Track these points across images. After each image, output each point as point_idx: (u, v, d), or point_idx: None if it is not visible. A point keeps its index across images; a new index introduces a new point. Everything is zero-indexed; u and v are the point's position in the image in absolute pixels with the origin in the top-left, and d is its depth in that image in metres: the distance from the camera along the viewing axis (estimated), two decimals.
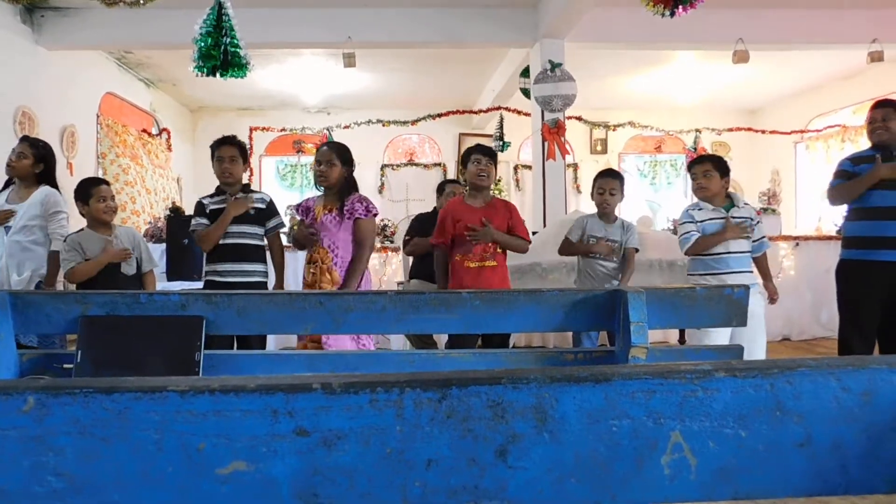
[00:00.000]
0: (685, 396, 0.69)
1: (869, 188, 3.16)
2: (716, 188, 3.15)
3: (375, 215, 3.13)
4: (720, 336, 2.99)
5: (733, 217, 3.13)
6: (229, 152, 3.25)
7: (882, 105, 3.28)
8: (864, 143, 8.76)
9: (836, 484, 0.71)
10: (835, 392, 0.70)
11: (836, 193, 3.34)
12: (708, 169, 3.16)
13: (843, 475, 0.70)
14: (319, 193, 3.20)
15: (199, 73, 4.39)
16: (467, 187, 3.42)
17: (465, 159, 3.41)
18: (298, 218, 3.25)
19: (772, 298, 3.29)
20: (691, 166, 3.28)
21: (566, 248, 3.64)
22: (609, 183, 3.54)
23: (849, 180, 3.25)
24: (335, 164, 3.05)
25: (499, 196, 3.81)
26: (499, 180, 9.80)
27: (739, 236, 3.07)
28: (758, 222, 3.22)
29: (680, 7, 3.60)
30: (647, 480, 0.70)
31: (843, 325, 3.34)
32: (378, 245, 5.56)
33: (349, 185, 3.11)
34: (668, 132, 9.37)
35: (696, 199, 3.30)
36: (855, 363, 0.70)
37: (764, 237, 3.26)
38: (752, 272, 3.18)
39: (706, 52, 7.29)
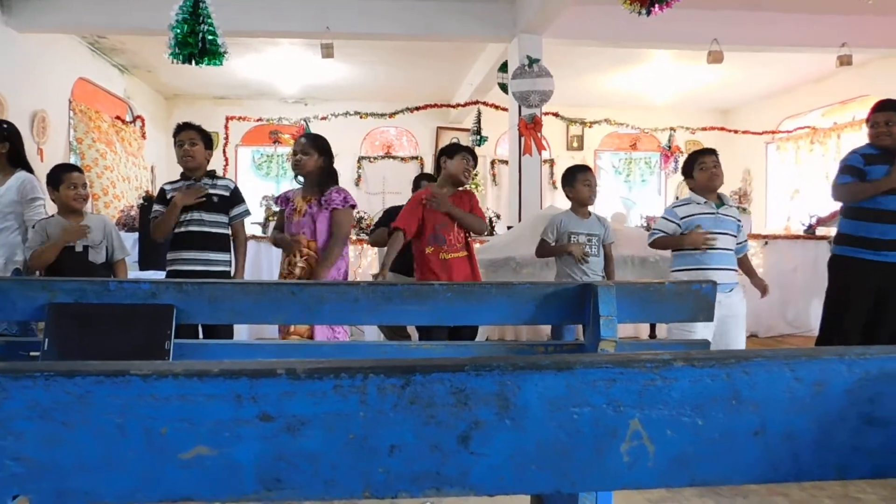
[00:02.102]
0: (645, 385, 0.71)
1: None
2: (721, 181, 3.21)
3: (353, 207, 3.14)
4: (702, 334, 3.01)
5: (723, 215, 3.16)
6: (189, 136, 3.23)
7: (885, 108, 3.22)
8: (831, 145, 8.93)
9: (788, 471, 0.73)
10: (788, 382, 0.72)
11: (847, 192, 3.26)
12: (717, 162, 3.20)
13: (795, 463, 0.73)
14: (298, 186, 3.20)
15: (175, 61, 4.33)
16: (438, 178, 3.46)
17: (450, 151, 3.40)
18: (277, 208, 3.25)
19: (764, 292, 3.29)
20: (700, 155, 3.27)
21: (542, 249, 3.63)
22: (592, 177, 3.59)
23: (858, 177, 3.19)
24: (311, 153, 3.06)
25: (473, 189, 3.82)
26: (475, 174, 9.81)
27: (699, 246, 3.08)
28: (741, 225, 3.26)
29: (656, 6, 3.64)
30: (606, 467, 0.72)
31: (827, 321, 3.37)
32: (353, 237, 5.54)
33: (328, 176, 3.12)
34: (643, 130, 9.47)
35: (678, 197, 3.33)
36: (808, 354, 0.72)
37: (746, 240, 3.31)
38: (735, 271, 3.19)
39: (681, 52, 7.37)
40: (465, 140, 9.48)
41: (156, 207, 3.27)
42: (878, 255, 3.16)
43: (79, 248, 3.15)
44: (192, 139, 3.22)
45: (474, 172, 3.40)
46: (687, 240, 3.09)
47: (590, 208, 3.66)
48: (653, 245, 3.25)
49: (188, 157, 3.21)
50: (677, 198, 10.49)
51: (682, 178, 3.40)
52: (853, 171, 3.23)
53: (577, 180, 3.56)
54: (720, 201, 3.22)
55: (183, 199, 3.14)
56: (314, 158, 3.07)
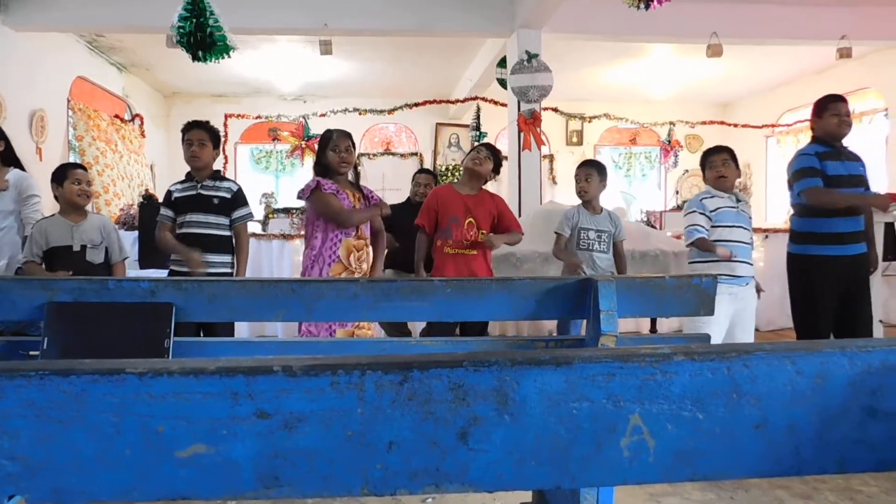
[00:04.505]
0: (644, 380, 0.70)
1: (833, 185, 3.17)
2: (734, 177, 3.24)
3: None
4: (719, 325, 3.04)
5: (741, 210, 3.22)
6: (198, 136, 3.20)
7: (841, 99, 3.29)
8: None
9: (789, 465, 0.72)
10: (790, 375, 0.72)
11: (822, 198, 3.20)
12: (727, 158, 3.23)
13: (796, 456, 0.72)
14: (316, 177, 3.11)
15: (186, 53, 4.36)
16: (454, 176, 3.50)
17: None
18: (340, 199, 3.03)
19: (758, 292, 3.30)
20: (708, 155, 3.29)
21: (558, 248, 3.53)
22: (584, 170, 3.54)
23: (822, 178, 3.18)
24: (353, 149, 3.12)
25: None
26: (482, 160, 9.78)
27: (725, 258, 3.09)
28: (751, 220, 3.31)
29: None
30: (606, 462, 0.71)
31: (801, 325, 3.34)
32: None
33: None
34: (642, 125, 9.44)
35: (705, 188, 3.32)
36: (809, 347, 0.72)
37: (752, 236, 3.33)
38: (752, 264, 3.23)
39: (681, 46, 7.35)
40: (465, 136, 9.46)
41: (161, 211, 3.26)
42: (844, 249, 3.17)
43: (76, 248, 3.14)
44: (202, 139, 3.19)
45: (487, 162, 3.36)
46: (720, 251, 3.09)
47: (602, 205, 3.63)
48: (693, 245, 3.19)
49: (195, 158, 3.19)
50: (677, 192, 10.49)
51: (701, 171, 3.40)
52: (815, 173, 3.21)
53: (575, 177, 3.56)
54: (735, 196, 3.27)
55: (192, 263, 3.08)
56: (355, 154, 3.16)
